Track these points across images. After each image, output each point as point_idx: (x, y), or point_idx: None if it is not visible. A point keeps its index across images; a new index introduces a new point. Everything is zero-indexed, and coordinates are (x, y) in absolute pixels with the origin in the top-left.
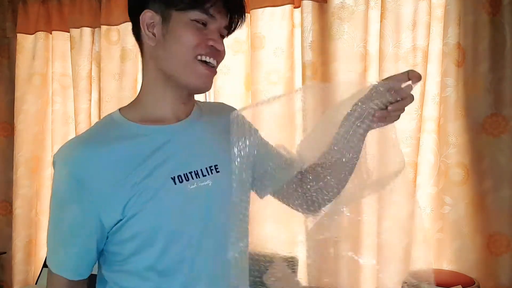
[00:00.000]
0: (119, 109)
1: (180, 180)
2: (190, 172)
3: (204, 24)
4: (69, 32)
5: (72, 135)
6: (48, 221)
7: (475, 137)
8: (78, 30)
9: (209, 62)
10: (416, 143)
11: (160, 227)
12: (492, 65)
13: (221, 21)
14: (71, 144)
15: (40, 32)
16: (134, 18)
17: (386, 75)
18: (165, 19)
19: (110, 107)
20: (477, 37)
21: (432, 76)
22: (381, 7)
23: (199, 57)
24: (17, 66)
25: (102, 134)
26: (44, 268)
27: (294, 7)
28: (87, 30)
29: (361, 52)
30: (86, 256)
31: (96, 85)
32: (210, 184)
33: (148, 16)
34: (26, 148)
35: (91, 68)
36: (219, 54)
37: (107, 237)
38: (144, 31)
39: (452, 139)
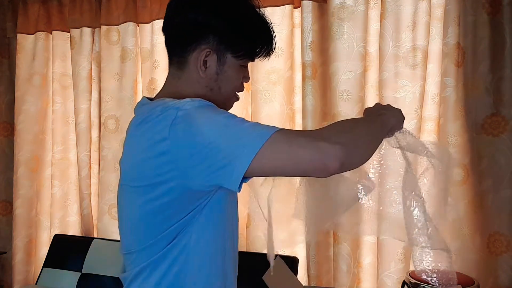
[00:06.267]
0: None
1: None
2: None
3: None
4: (69, 32)
5: (72, 135)
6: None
7: (475, 137)
8: (78, 30)
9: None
10: None
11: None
12: (492, 65)
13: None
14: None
15: (40, 32)
16: (185, 45)
17: (386, 75)
18: (221, 61)
19: (110, 107)
20: (477, 37)
21: (432, 76)
22: (381, 7)
23: (235, 92)
24: (17, 66)
25: None
26: (44, 268)
27: (294, 7)
28: (87, 30)
29: (361, 52)
30: None
31: (96, 85)
32: None
33: (206, 54)
34: (26, 148)
35: (91, 68)
36: None
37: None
38: (199, 65)
39: (452, 139)
